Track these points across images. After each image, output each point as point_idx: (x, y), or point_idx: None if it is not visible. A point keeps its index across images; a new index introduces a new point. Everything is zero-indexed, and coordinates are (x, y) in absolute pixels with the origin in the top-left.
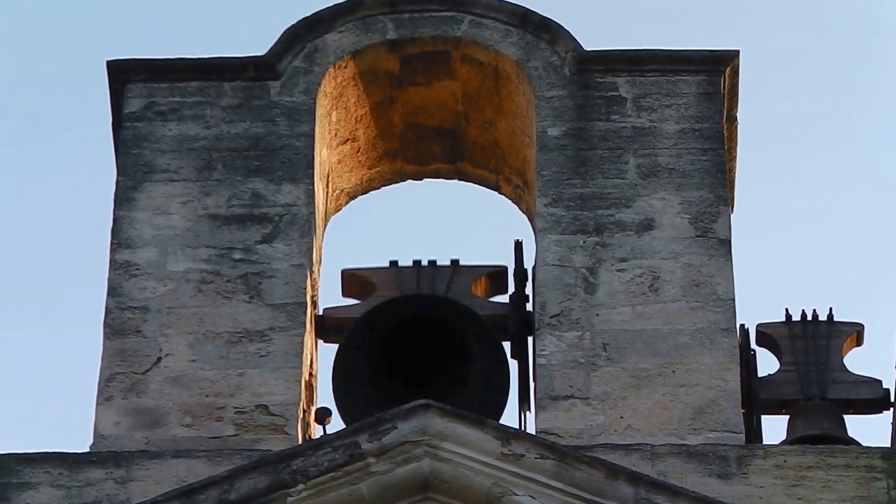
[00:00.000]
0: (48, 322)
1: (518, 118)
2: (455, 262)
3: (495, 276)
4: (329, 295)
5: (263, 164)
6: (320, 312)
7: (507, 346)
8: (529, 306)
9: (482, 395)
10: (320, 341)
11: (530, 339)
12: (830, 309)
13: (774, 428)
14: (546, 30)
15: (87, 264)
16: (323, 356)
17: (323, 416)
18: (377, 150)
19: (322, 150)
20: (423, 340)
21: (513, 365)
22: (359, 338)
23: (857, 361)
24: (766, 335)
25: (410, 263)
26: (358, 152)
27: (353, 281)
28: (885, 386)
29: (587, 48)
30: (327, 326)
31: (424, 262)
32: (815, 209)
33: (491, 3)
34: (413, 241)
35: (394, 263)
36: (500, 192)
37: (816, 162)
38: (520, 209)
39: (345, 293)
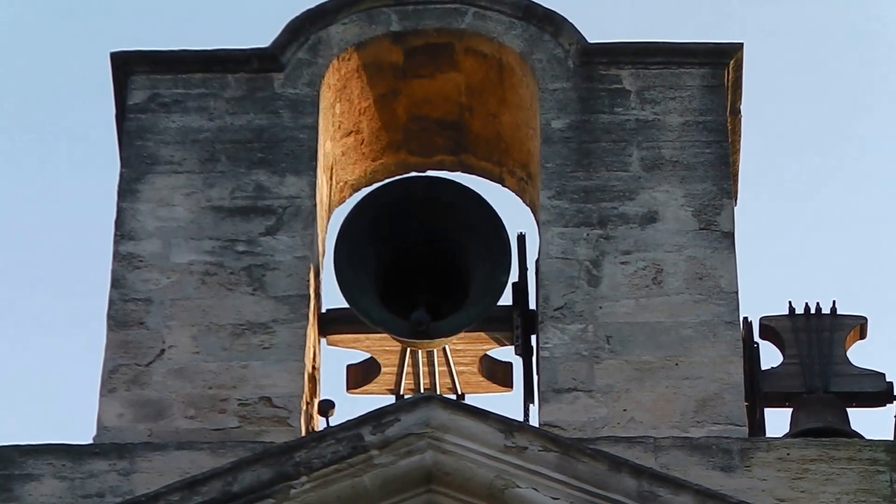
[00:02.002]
0: (51, 314)
1: (522, 110)
2: None
3: None
4: (332, 286)
5: (267, 156)
6: (323, 309)
7: (508, 346)
8: (532, 299)
9: (483, 281)
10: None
11: (533, 332)
12: (834, 302)
13: (777, 421)
14: (550, 22)
15: (90, 256)
16: (326, 349)
17: (326, 408)
18: (381, 143)
19: (326, 143)
20: (426, 221)
21: (516, 358)
22: (362, 215)
23: (860, 354)
24: (770, 328)
25: None
26: (362, 144)
27: None
28: (888, 379)
29: (591, 40)
30: (330, 322)
31: None
32: (819, 202)
33: None
34: None
35: None
36: (503, 185)
37: (820, 155)
38: (523, 201)
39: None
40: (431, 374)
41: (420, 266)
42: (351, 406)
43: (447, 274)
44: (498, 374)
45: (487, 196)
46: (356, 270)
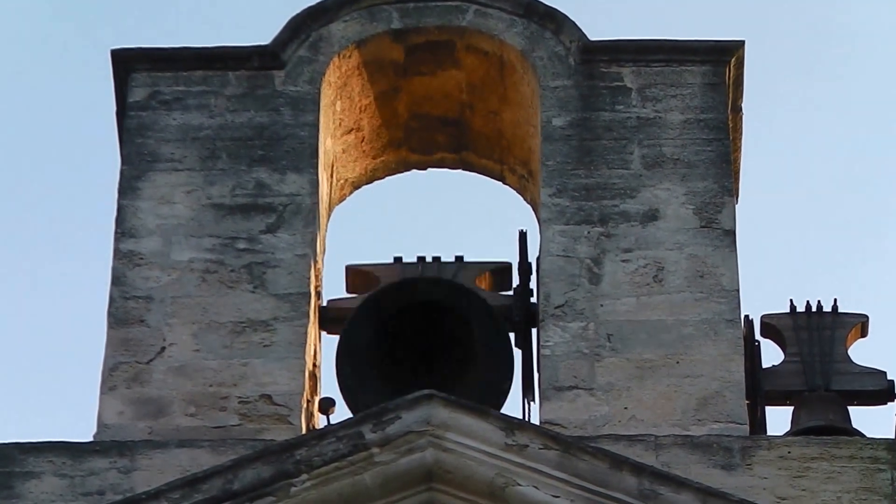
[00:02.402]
0: (52, 311)
1: (523, 108)
2: (459, 259)
3: (499, 273)
4: (333, 283)
5: (267, 153)
6: (324, 303)
7: (511, 336)
8: (534, 297)
9: (486, 381)
10: (324, 332)
11: (534, 329)
12: (835, 300)
13: (779, 419)
14: (551, 20)
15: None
16: (326, 346)
17: (327, 406)
18: (381, 140)
19: (326, 140)
20: (427, 324)
21: (517, 355)
22: (363, 321)
23: (861, 353)
24: (771, 326)
25: (415, 259)
26: (362, 142)
27: (357, 276)
28: (889, 377)
29: (592, 38)
30: (330, 318)
31: (429, 259)
32: (821, 200)
33: None
34: (417, 231)
35: (398, 259)
36: (504, 183)
37: (821, 153)
38: (524, 199)
39: (349, 289)
40: None
41: (423, 365)
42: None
43: (450, 371)
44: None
45: (488, 194)
46: (362, 382)
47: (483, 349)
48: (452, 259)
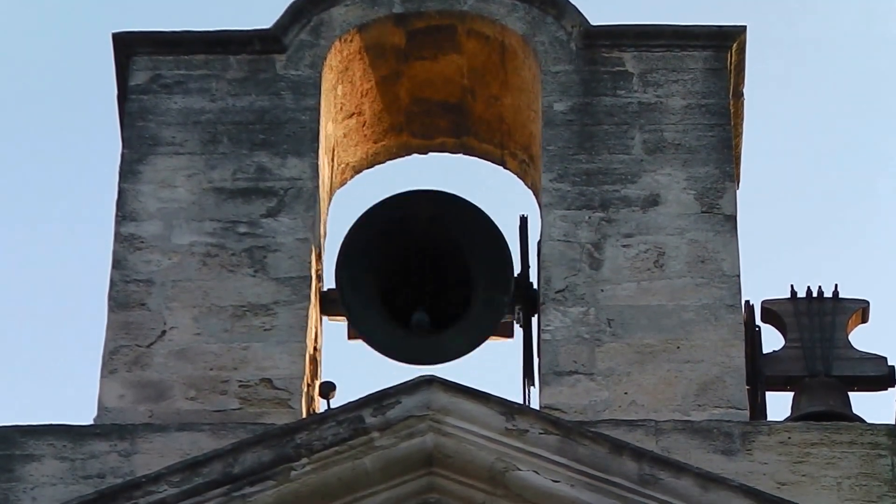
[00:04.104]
0: (52, 294)
1: (524, 93)
2: None
3: None
4: (333, 268)
5: (269, 137)
6: (324, 287)
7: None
8: (534, 281)
9: (485, 297)
10: (325, 317)
11: (535, 314)
12: (836, 286)
13: (779, 405)
14: (552, 4)
15: (91, 237)
16: (328, 330)
17: (327, 390)
18: (382, 125)
19: (327, 124)
20: (426, 240)
21: (517, 340)
22: (363, 230)
23: (862, 338)
24: (772, 312)
25: None
26: (363, 126)
27: None
28: (889, 363)
29: (594, 23)
30: (331, 301)
31: None
32: (822, 186)
33: None
34: None
35: None
36: (505, 167)
37: (822, 139)
38: (525, 184)
39: None
40: None
41: (422, 278)
42: (353, 388)
43: (449, 285)
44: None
45: (489, 179)
46: (357, 290)
47: (480, 262)
48: None
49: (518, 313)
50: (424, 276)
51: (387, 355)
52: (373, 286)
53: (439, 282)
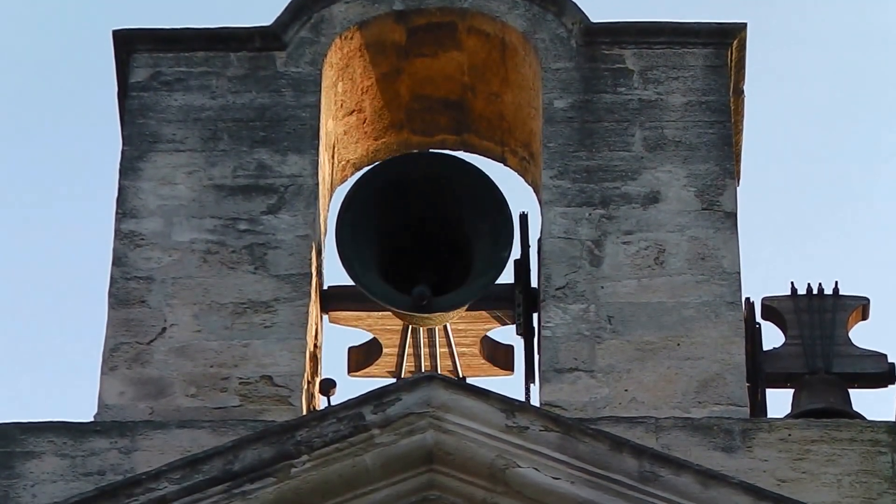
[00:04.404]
0: (53, 291)
1: (524, 90)
2: None
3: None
4: (334, 265)
5: (269, 134)
6: (325, 286)
7: (510, 325)
8: (534, 279)
9: (484, 255)
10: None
11: (535, 311)
12: (836, 282)
13: (779, 402)
14: (553, 2)
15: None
16: (328, 328)
17: (327, 387)
18: (383, 122)
19: (328, 121)
20: (425, 201)
21: (517, 340)
22: (363, 193)
23: (862, 335)
24: (772, 309)
25: None
26: (364, 123)
27: None
28: (890, 360)
29: (594, 20)
30: (332, 298)
31: None
32: (822, 183)
33: None
34: None
35: None
36: (505, 164)
37: (823, 135)
38: (525, 181)
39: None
40: (433, 355)
41: (422, 243)
42: (352, 385)
43: (449, 250)
44: (499, 356)
45: (490, 176)
46: (358, 245)
47: (480, 222)
48: None
49: (518, 316)
50: (424, 241)
51: (387, 303)
52: (373, 249)
53: (440, 247)
